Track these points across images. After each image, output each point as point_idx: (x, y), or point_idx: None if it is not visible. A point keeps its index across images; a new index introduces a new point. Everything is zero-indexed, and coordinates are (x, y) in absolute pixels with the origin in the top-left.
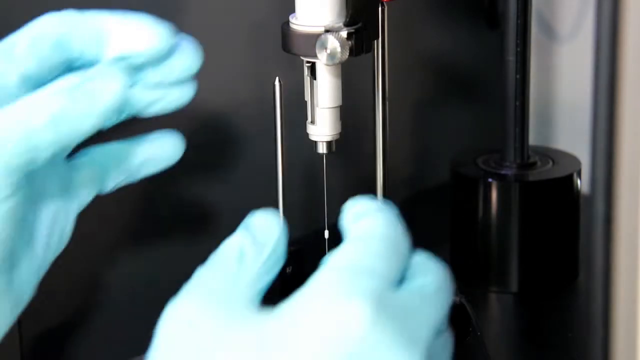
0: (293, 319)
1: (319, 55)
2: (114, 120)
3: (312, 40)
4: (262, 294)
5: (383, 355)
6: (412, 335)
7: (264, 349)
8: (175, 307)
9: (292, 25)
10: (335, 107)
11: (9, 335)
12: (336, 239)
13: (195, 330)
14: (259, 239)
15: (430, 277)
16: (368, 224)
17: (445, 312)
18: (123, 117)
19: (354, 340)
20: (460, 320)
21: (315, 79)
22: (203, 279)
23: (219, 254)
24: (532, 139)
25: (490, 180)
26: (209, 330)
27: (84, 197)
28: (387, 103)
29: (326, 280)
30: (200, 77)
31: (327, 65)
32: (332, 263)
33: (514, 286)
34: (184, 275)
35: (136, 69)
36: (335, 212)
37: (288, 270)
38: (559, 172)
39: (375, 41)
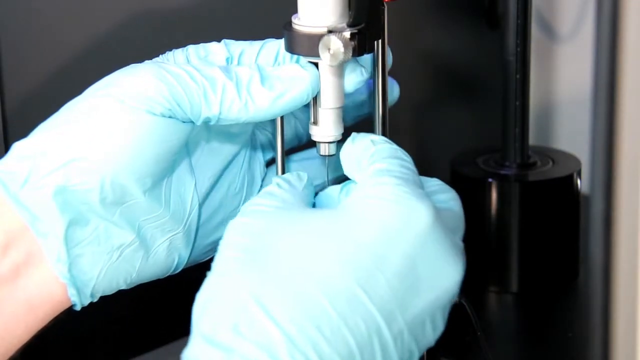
0: (359, 213)
1: (321, 55)
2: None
3: (315, 41)
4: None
5: (439, 252)
6: (455, 240)
7: (329, 237)
8: (237, 221)
9: (294, 26)
10: (338, 107)
11: None
12: None
13: (259, 231)
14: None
15: (451, 194)
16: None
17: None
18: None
19: (418, 235)
20: (460, 320)
21: None
22: (255, 202)
23: (262, 192)
24: (532, 139)
25: (490, 180)
26: (273, 228)
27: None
28: (387, 103)
29: (385, 183)
30: None
31: (330, 65)
32: (380, 172)
33: (514, 286)
34: (180, 275)
35: None
36: None
37: None
38: (559, 172)
39: (376, 41)
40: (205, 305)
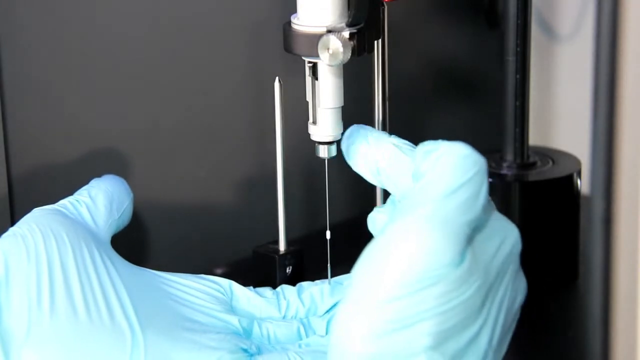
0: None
1: (321, 55)
2: None
3: (314, 41)
4: None
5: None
6: (454, 230)
7: None
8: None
9: (293, 26)
10: (337, 107)
11: None
12: (337, 239)
13: None
14: None
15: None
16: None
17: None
18: None
19: (412, 247)
20: None
21: (317, 79)
22: None
23: None
24: (532, 139)
25: (490, 180)
26: None
27: None
28: (387, 103)
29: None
30: (200, 77)
31: (330, 65)
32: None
33: None
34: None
35: None
36: (336, 212)
37: (288, 270)
38: (559, 172)
39: (375, 41)
40: None
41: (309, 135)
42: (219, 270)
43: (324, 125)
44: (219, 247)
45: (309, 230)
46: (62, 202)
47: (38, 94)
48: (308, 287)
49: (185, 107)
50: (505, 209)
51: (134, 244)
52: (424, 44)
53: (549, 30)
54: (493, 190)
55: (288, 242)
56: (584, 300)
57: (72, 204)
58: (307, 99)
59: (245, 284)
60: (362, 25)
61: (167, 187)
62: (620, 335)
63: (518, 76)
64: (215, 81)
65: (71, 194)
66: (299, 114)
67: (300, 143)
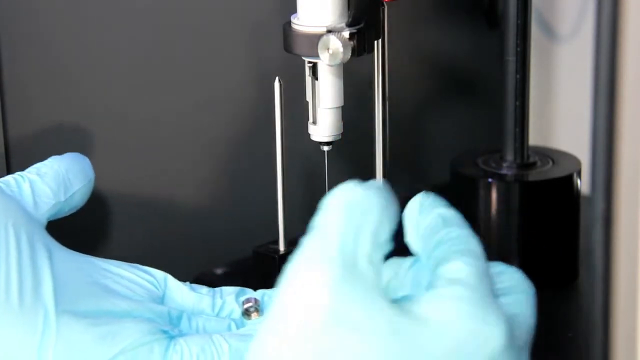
0: (432, 325)
1: (321, 55)
2: None
3: (314, 41)
4: None
5: None
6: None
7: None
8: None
9: (293, 26)
10: (337, 107)
11: None
12: None
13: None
14: None
15: (523, 295)
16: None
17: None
18: None
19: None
20: None
21: (316, 79)
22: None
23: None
24: (532, 139)
25: (490, 180)
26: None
27: None
28: (387, 103)
29: (459, 297)
30: (200, 76)
31: (330, 65)
32: (452, 281)
33: None
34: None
35: None
36: None
37: None
38: (559, 172)
39: (375, 41)
40: None
41: (308, 135)
42: (219, 271)
43: (323, 124)
44: (219, 247)
45: (309, 230)
46: (6, 177)
47: (38, 93)
48: (250, 293)
49: (184, 107)
50: (505, 209)
51: (135, 243)
52: (424, 44)
53: (549, 30)
54: (493, 190)
55: (288, 242)
56: (584, 300)
57: (15, 179)
58: (307, 99)
59: (245, 284)
60: (362, 25)
61: (167, 187)
62: (620, 335)
63: (518, 76)
64: (215, 81)
65: None
66: (299, 114)
67: (300, 143)
